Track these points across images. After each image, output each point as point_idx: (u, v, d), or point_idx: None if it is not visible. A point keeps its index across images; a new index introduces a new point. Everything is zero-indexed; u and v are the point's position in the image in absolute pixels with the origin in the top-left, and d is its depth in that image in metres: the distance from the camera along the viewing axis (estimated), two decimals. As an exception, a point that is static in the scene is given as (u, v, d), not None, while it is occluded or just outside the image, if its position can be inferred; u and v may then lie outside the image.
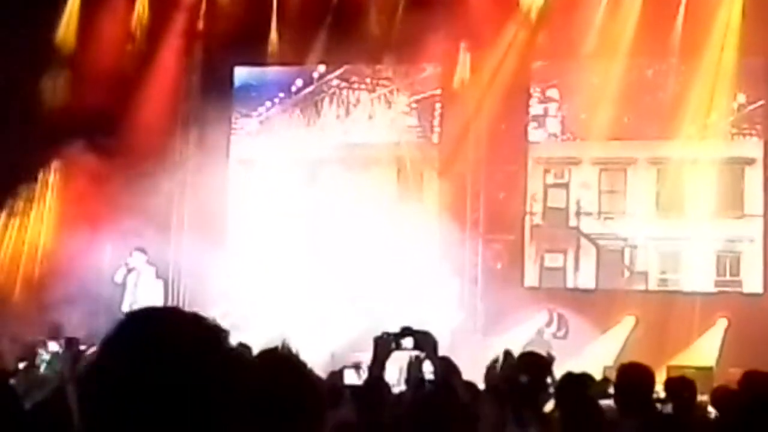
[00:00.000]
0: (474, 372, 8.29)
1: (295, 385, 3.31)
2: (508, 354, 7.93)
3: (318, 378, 3.59)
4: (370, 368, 5.89)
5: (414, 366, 6.75)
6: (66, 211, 20.50)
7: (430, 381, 6.19)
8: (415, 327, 5.83)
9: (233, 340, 2.37)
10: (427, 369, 6.33)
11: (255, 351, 3.60)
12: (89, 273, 19.10)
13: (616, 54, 19.38)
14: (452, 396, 5.77)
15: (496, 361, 8.00)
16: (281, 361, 3.39)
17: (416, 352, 6.09)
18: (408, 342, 5.73)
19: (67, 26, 20.73)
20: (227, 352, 2.34)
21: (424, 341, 5.82)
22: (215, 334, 2.34)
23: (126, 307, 18.04)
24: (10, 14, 17.70)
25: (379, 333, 5.85)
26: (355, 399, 7.20)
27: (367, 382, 5.97)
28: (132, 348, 2.27)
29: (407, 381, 7.46)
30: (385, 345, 5.73)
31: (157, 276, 19.13)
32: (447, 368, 6.28)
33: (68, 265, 19.14)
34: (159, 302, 18.84)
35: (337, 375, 11.52)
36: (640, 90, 19.62)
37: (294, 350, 3.36)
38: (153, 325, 2.32)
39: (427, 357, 5.96)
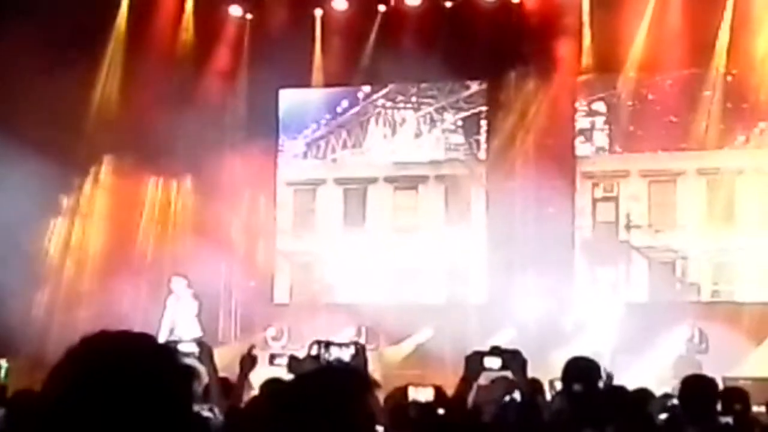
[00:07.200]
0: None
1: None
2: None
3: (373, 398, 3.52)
4: (457, 387, 5.74)
5: (500, 388, 6.59)
6: (110, 231, 20.44)
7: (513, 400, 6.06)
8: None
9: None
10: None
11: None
12: (127, 298, 19.01)
13: (662, 65, 19.28)
14: (538, 417, 5.68)
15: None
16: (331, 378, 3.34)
17: (504, 373, 5.91)
18: (495, 362, 5.59)
19: (116, 39, 20.58)
20: (173, 369, 2.37)
21: (513, 361, 5.68)
22: (161, 352, 2.38)
23: (165, 331, 17.94)
24: (61, 30, 17.51)
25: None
26: (430, 417, 7.06)
27: (454, 399, 5.84)
28: (75, 370, 2.32)
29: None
30: (475, 364, 5.60)
31: (195, 298, 18.90)
32: (533, 389, 6.16)
33: (105, 292, 18.97)
34: (196, 326, 18.54)
35: (400, 391, 11.42)
36: (687, 100, 19.48)
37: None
38: (96, 349, 2.36)
39: (515, 376, 5.81)
